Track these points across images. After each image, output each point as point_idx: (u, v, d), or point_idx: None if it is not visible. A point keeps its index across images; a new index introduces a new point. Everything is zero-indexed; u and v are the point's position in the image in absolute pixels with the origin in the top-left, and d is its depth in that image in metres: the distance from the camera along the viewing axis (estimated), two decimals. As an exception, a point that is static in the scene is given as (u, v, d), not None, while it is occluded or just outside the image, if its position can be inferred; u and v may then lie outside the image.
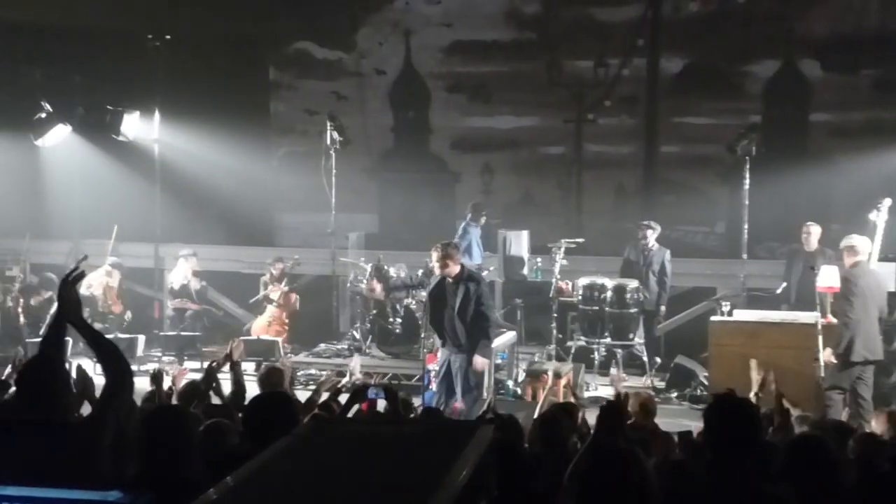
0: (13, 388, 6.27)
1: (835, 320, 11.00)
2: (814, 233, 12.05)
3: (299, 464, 3.44)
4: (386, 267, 13.15)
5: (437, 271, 9.91)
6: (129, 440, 4.51)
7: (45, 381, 4.48)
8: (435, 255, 9.85)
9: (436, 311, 10.06)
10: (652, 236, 13.03)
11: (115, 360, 4.58)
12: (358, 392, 6.69)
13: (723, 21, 15.28)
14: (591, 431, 7.27)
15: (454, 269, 9.86)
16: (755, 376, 7.09)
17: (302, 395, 8.02)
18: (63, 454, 3.96)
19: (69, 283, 4.78)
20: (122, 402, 4.56)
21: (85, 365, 7.25)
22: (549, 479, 5.27)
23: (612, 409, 4.92)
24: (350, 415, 6.59)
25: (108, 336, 11.87)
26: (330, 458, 3.46)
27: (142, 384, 8.40)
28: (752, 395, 7.14)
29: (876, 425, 7.29)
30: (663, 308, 13.27)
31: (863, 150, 13.90)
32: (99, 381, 4.77)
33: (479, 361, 9.89)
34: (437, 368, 10.29)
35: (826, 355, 10.15)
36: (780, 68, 15.16)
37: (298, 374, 11.89)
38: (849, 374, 10.03)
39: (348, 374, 11.11)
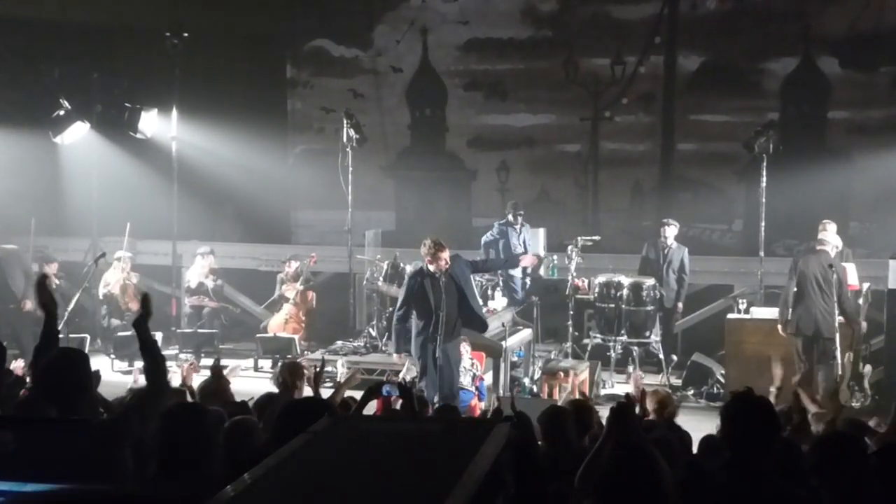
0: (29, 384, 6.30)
1: (842, 319, 11.01)
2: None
3: (316, 461, 3.45)
4: (402, 265, 13.15)
5: (433, 268, 9.88)
6: (151, 439, 4.55)
7: (66, 379, 4.51)
8: (425, 249, 9.87)
9: (424, 306, 10.07)
10: (672, 233, 13.02)
11: (161, 370, 4.67)
12: (372, 389, 6.70)
13: (740, 18, 15.23)
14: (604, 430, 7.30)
15: (443, 262, 9.88)
16: (777, 371, 7.06)
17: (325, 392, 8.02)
18: (84, 452, 3.99)
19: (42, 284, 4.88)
20: (155, 408, 4.60)
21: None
22: (561, 478, 5.27)
23: (622, 409, 4.89)
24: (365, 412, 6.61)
25: (125, 333, 11.99)
26: (347, 455, 3.47)
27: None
28: (772, 389, 7.12)
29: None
30: (681, 305, 13.26)
31: (881, 147, 13.86)
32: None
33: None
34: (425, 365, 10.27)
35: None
36: (797, 65, 15.10)
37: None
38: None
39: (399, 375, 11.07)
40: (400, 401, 6.68)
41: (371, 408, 7.00)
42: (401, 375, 10.74)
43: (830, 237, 11.05)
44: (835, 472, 4.57)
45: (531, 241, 13.76)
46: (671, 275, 13.04)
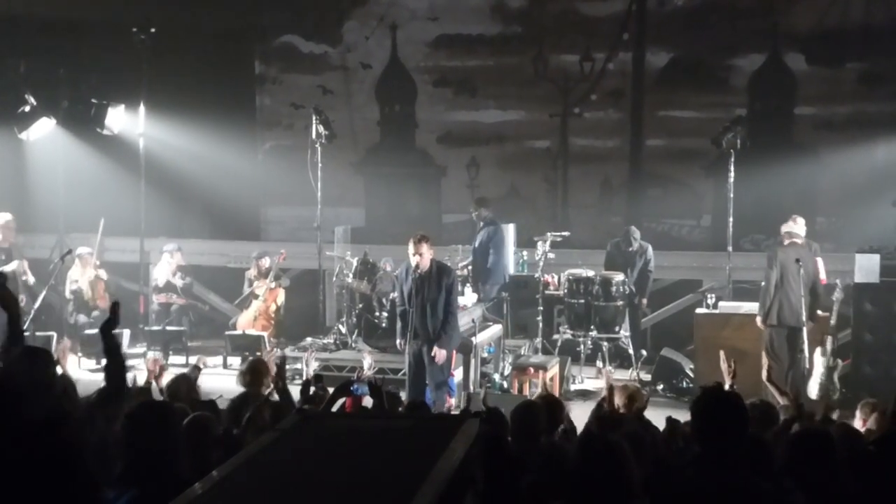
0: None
1: (820, 312, 11.11)
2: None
3: (285, 458, 3.43)
4: (372, 261, 13.13)
5: (415, 261, 9.95)
6: (116, 439, 4.52)
7: (28, 380, 4.46)
8: (412, 246, 9.93)
9: (406, 304, 10.16)
10: (636, 243, 13.13)
11: (122, 372, 4.65)
12: (342, 387, 6.67)
13: (708, 15, 15.29)
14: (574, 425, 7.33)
15: (427, 259, 9.97)
16: (725, 367, 7.10)
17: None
18: (46, 453, 3.93)
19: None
20: (117, 409, 4.58)
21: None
22: (532, 473, 5.27)
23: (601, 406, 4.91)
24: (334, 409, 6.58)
25: (91, 332, 11.91)
26: (315, 453, 3.45)
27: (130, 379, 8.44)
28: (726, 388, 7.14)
29: (859, 417, 7.33)
30: (645, 301, 13.34)
31: (847, 142, 13.98)
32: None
33: (441, 354, 10.00)
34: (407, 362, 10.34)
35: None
36: (765, 62, 15.18)
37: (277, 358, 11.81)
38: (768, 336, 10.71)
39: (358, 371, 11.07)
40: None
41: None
42: (364, 369, 10.79)
43: (800, 230, 11.13)
44: (807, 468, 4.59)
45: (486, 241, 13.53)
46: (636, 270, 13.12)
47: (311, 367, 11.21)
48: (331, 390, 6.42)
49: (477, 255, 13.40)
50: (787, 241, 11.03)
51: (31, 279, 13.37)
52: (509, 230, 13.99)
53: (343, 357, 12.42)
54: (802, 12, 14.89)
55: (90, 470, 3.89)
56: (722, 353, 7.35)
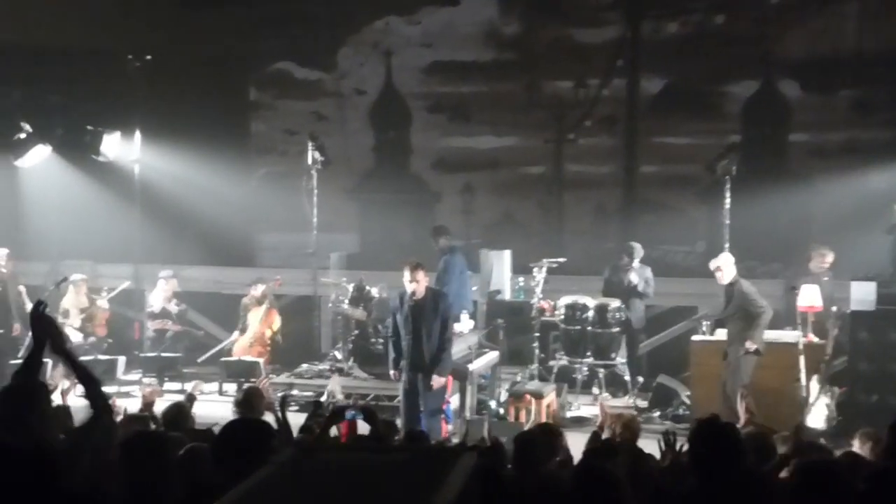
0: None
1: (816, 339, 11.12)
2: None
3: (282, 492, 3.41)
4: (368, 287, 13.12)
5: (411, 288, 9.97)
6: (107, 466, 4.48)
7: (22, 410, 4.43)
8: (408, 273, 9.93)
9: (399, 332, 10.15)
10: (635, 266, 13.11)
11: (98, 392, 4.60)
12: (336, 413, 6.64)
13: (702, 42, 15.35)
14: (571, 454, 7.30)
15: (423, 286, 10.00)
16: (741, 407, 7.06)
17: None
18: (37, 480, 3.92)
19: (41, 317, 4.79)
20: (103, 432, 4.54)
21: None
22: (529, 502, 5.25)
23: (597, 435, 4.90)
24: (329, 436, 6.55)
25: (87, 357, 11.87)
26: (313, 487, 3.43)
27: (125, 406, 8.40)
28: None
29: (857, 445, 7.31)
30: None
31: (841, 170, 13.98)
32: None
33: (439, 381, 10.00)
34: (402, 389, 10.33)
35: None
36: (758, 89, 15.23)
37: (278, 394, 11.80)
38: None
39: (327, 395, 11.10)
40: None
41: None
42: (326, 393, 10.85)
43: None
44: (812, 500, 4.55)
45: (442, 272, 12.74)
46: (635, 295, 13.11)
47: (337, 394, 11.17)
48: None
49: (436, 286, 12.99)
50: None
51: (27, 306, 13.33)
52: (503, 256, 13.98)
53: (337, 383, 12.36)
54: (795, 39, 14.96)
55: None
56: (739, 392, 7.32)
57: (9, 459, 3.92)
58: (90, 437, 4.50)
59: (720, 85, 15.35)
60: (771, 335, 11.25)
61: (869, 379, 11.31)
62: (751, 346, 10.80)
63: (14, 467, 3.88)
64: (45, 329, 4.95)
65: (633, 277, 13.05)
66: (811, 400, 10.68)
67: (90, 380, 4.75)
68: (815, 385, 10.73)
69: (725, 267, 11.14)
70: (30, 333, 11.92)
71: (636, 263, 13.16)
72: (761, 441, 6.65)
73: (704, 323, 12.30)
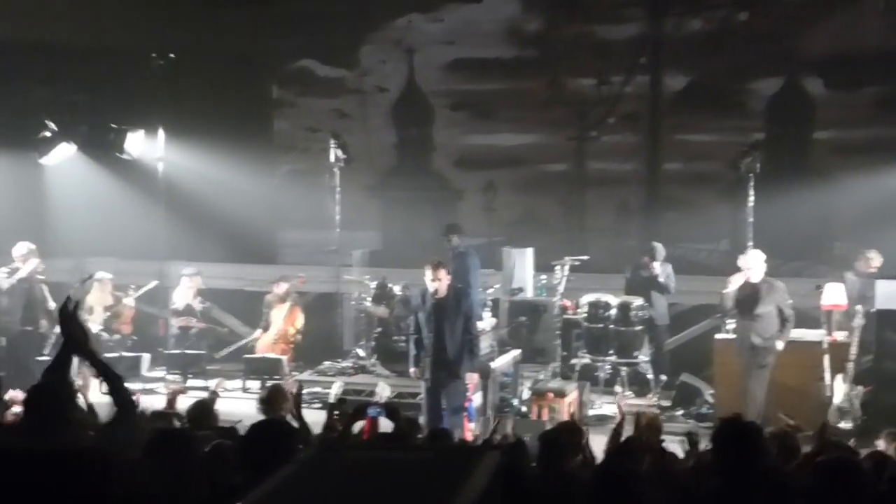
0: (16, 409, 6.23)
1: (840, 338, 11.06)
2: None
3: (306, 490, 3.42)
4: (390, 285, 13.13)
5: (433, 286, 9.97)
6: (134, 464, 4.51)
7: (52, 408, 4.47)
8: (430, 272, 9.94)
9: (421, 330, 10.15)
10: (658, 265, 13.07)
11: (122, 390, 4.62)
12: (358, 410, 6.66)
13: (725, 38, 15.29)
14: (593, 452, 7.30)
15: (445, 284, 10.00)
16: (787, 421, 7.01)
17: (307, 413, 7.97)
18: (68, 482, 3.94)
19: (71, 315, 4.81)
20: (128, 430, 4.57)
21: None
22: (552, 501, 5.26)
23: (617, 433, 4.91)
24: (352, 432, 6.58)
25: (112, 355, 11.94)
26: (336, 485, 3.44)
27: (149, 403, 8.45)
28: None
29: (883, 445, 7.28)
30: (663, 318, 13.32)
31: (865, 167, 13.88)
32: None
33: (472, 377, 10.02)
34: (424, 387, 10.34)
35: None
36: (782, 86, 15.16)
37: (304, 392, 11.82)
38: None
39: (377, 397, 11.09)
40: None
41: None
42: (376, 395, 10.81)
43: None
44: (831, 498, 4.53)
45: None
46: (657, 292, 13.07)
47: (336, 392, 11.18)
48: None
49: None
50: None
51: (51, 304, 13.41)
52: (525, 254, 13.95)
53: (361, 381, 12.40)
54: (819, 36, 14.87)
55: None
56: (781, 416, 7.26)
57: (61, 464, 3.94)
58: (116, 435, 4.54)
59: (744, 82, 15.29)
60: (795, 334, 11.19)
61: (894, 378, 11.24)
62: (781, 346, 10.72)
63: (65, 471, 3.88)
64: (73, 327, 4.99)
65: (656, 267, 12.98)
66: (835, 399, 10.63)
67: (113, 377, 4.77)
68: (839, 384, 10.68)
69: (756, 265, 10.95)
70: (56, 330, 12.08)
71: (657, 263, 13.12)
72: (785, 440, 6.62)
73: (728, 321, 12.25)
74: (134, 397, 5.43)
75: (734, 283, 10.83)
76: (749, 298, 10.84)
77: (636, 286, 13.15)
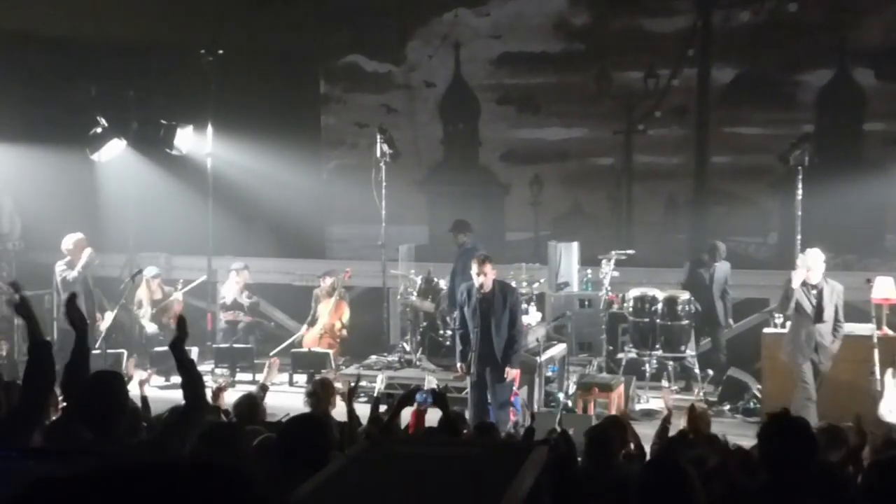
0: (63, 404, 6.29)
1: (890, 332, 10.93)
2: None
3: (355, 485, 3.46)
4: (436, 279, 13.16)
5: (479, 281, 9.99)
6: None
7: (101, 403, 4.51)
8: (476, 266, 9.96)
9: (467, 325, 10.17)
10: (718, 265, 13.02)
11: (199, 388, 4.67)
12: (406, 397, 6.69)
13: (774, 30, 15.14)
14: (641, 445, 7.29)
15: (490, 279, 10.02)
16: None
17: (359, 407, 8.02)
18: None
19: (74, 306, 4.91)
20: (192, 428, 4.62)
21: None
22: (600, 495, 5.26)
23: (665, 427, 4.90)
24: (399, 419, 6.60)
25: (160, 349, 12.07)
26: (385, 480, 3.47)
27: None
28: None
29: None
30: (731, 321, 13.22)
31: (918, 159, 13.74)
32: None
33: (513, 373, 10.03)
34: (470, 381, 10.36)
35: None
36: (832, 77, 14.99)
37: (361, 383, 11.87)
38: None
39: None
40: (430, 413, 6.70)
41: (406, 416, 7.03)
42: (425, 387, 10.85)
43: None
44: (892, 497, 4.47)
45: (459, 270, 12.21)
46: (716, 293, 13.02)
47: (379, 386, 11.24)
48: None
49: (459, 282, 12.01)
50: None
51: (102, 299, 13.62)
52: (571, 248, 13.92)
53: (407, 375, 12.45)
54: (871, 27, 14.70)
55: None
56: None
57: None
58: (182, 429, 4.58)
59: (793, 74, 15.14)
60: (845, 328, 11.05)
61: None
62: (837, 349, 10.58)
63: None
64: (75, 318, 5.07)
65: (723, 268, 12.95)
66: (886, 394, 10.50)
67: (195, 375, 4.81)
68: (889, 379, 10.55)
69: (816, 265, 10.63)
70: (104, 323, 12.23)
71: (719, 263, 13.07)
72: (833, 435, 6.57)
73: (777, 315, 12.15)
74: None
75: (796, 280, 10.64)
76: (814, 300, 10.54)
77: (695, 287, 13.07)
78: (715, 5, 15.49)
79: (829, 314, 10.50)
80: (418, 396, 6.89)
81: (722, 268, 13.07)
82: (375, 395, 9.58)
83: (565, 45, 16.18)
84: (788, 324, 10.99)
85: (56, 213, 14.16)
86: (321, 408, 7.56)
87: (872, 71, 14.75)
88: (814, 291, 10.54)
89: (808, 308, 10.51)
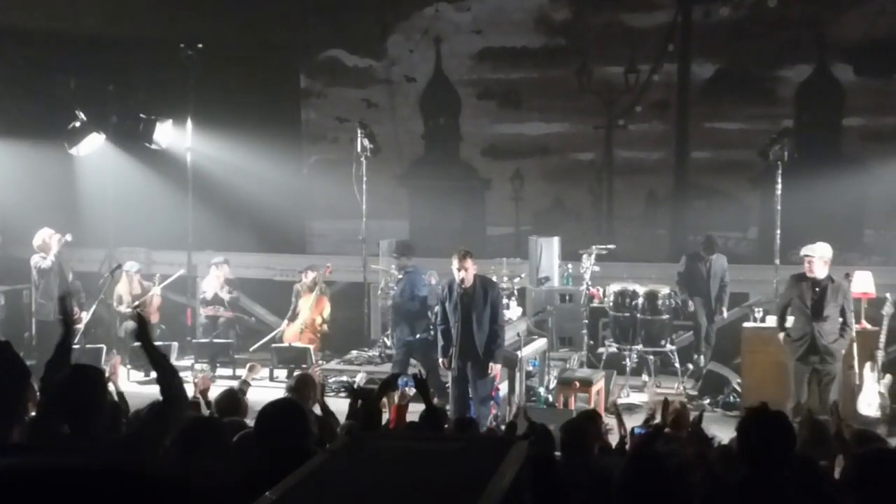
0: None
1: (869, 326, 10.99)
2: None
3: (336, 479, 3.46)
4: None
5: (459, 276, 9.99)
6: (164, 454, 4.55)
7: (79, 397, 4.46)
8: (457, 261, 9.96)
9: (448, 320, 10.17)
10: (714, 258, 13.12)
11: (173, 381, 4.63)
12: (387, 382, 6.68)
13: (754, 26, 15.18)
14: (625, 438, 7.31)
15: (471, 274, 10.02)
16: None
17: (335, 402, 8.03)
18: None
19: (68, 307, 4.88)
20: (170, 423, 4.58)
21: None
22: (578, 489, 5.28)
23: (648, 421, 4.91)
24: (380, 405, 6.60)
25: (139, 343, 12.00)
26: (366, 474, 3.47)
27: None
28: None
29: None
30: (725, 311, 13.26)
31: (896, 154, 13.80)
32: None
33: (496, 368, 10.04)
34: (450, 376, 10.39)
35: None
36: (812, 73, 15.03)
37: (330, 380, 11.91)
38: None
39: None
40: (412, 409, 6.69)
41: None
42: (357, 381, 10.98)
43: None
44: (874, 489, 4.48)
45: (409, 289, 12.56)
46: (713, 286, 13.10)
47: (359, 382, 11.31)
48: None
49: (405, 301, 12.51)
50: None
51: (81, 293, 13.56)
52: (552, 243, 13.95)
53: (388, 370, 12.43)
54: (850, 23, 14.75)
55: None
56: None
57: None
58: (161, 424, 4.55)
59: (773, 69, 15.17)
60: (853, 329, 10.79)
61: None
62: (844, 351, 10.31)
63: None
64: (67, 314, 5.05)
65: (719, 261, 13.10)
66: (864, 388, 10.57)
67: (168, 369, 4.76)
68: (868, 372, 10.62)
69: (823, 259, 10.26)
70: (82, 316, 12.16)
71: (715, 256, 13.18)
72: (812, 428, 6.60)
73: (756, 310, 12.22)
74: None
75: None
76: (816, 297, 10.15)
77: (691, 281, 13.15)
78: (695, 1, 15.52)
79: (829, 312, 10.10)
80: (400, 382, 6.88)
81: (718, 261, 13.19)
82: (355, 388, 9.57)
83: (546, 40, 16.17)
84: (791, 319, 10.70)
85: (34, 208, 14.07)
86: (302, 404, 7.54)
87: (851, 66, 14.79)
88: (816, 288, 10.17)
89: (808, 302, 10.14)
